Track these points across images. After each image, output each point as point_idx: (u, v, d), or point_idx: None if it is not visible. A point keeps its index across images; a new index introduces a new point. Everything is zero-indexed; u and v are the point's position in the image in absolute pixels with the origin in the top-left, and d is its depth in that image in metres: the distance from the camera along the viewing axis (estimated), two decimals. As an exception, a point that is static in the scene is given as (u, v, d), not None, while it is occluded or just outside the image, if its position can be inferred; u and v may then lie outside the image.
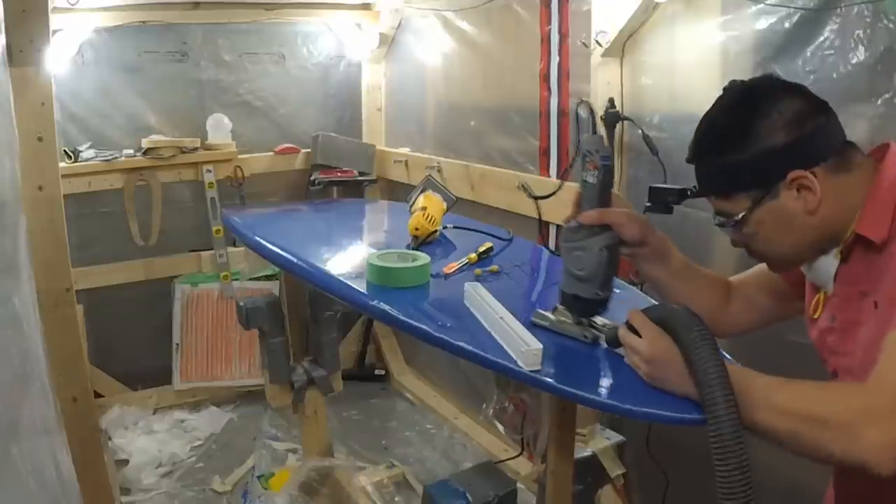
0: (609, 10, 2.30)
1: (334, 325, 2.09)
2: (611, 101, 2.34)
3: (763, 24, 1.92)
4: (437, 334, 1.26)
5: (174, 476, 2.99)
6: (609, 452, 2.28)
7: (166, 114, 3.46)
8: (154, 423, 3.35)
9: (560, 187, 1.33)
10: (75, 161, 3.18)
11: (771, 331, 1.41)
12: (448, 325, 1.30)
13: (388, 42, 3.68)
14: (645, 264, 1.29)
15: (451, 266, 1.62)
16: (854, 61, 1.70)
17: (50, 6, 2.43)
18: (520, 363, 1.15)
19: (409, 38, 3.58)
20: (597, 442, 2.28)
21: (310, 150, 3.69)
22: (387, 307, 1.36)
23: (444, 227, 1.90)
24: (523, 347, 1.15)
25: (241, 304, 1.92)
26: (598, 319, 1.26)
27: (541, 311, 1.30)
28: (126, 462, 3.02)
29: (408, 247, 1.74)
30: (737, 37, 2.00)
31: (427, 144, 3.54)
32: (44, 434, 1.20)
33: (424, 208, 1.84)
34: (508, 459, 2.62)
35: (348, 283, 1.48)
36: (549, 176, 2.70)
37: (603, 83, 2.38)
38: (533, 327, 1.26)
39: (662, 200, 1.27)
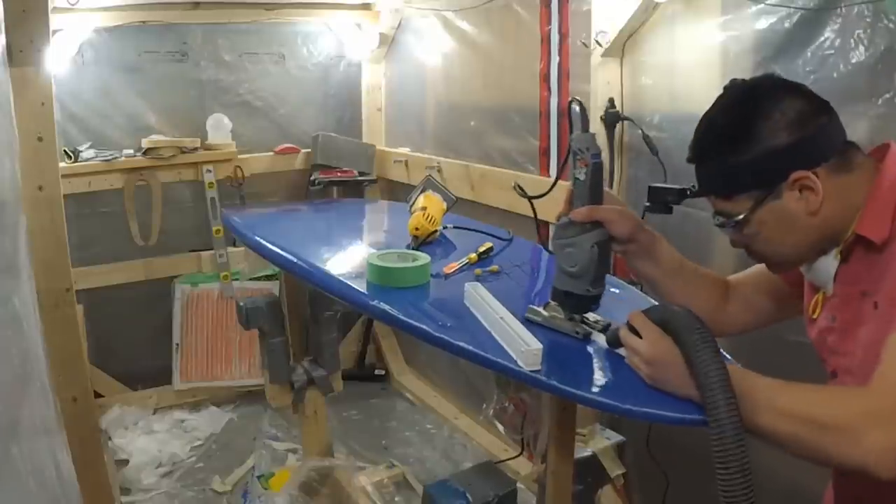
0: (609, 10, 2.30)
1: (334, 325, 2.09)
2: (611, 101, 2.34)
3: (763, 24, 1.92)
4: (437, 334, 1.26)
5: (174, 476, 2.99)
6: (609, 452, 2.28)
7: (166, 114, 3.46)
8: (154, 423, 3.35)
9: (553, 186, 1.32)
10: (75, 161, 3.19)
11: (770, 331, 1.41)
12: (448, 324, 1.30)
13: (388, 42, 3.68)
14: (636, 261, 1.29)
15: (452, 266, 1.62)
16: (854, 61, 1.70)
17: (50, 6, 2.43)
18: (520, 363, 1.15)
19: (409, 38, 3.58)
20: (597, 442, 2.28)
21: (310, 150, 3.68)
22: (387, 307, 1.36)
23: (444, 227, 1.90)
24: (523, 347, 1.15)
25: (241, 304, 1.92)
26: (591, 316, 1.27)
27: (534, 306, 1.31)
28: (126, 462, 3.02)
29: (408, 247, 1.73)
30: (737, 37, 2.00)
31: (427, 144, 3.54)
32: (44, 434, 1.20)
33: (424, 208, 1.84)
34: (508, 459, 2.62)
35: (348, 283, 1.48)
36: (549, 176, 2.71)
37: (603, 83, 2.38)
38: (526, 323, 1.26)
39: (662, 200, 1.27)
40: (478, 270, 1.60)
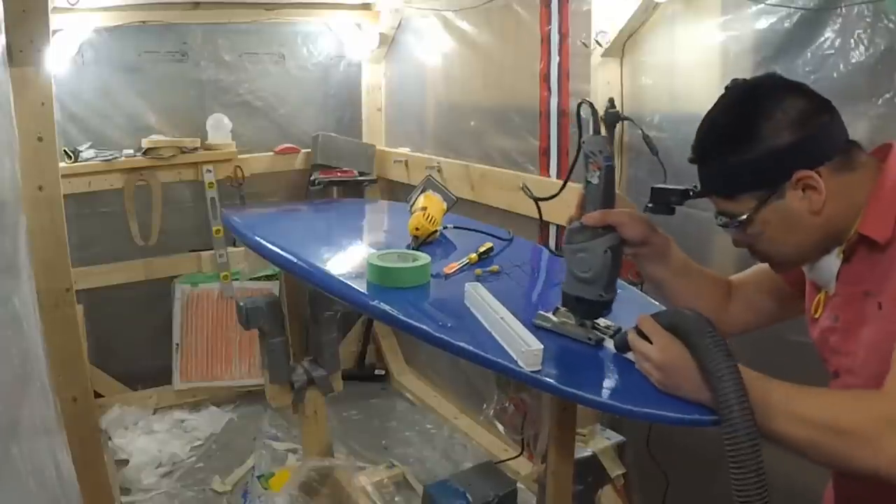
0: (609, 10, 2.30)
1: (334, 325, 2.09)
2: (611, 101, 2.34)
3: (763, 24, 1.91)
4: (437, 334, 1.26)
5: (174, 476, 2.99)
6: (609, 452, 2.28)
7: (166, 114, 3.46)
8: (154, 423, 3.35)
9: (562, 189, 1.32)
10: (75, 161, 3.18)
11: (771, 331, 1.41)
12: (448, 325, 1.29)
13: (388, 42, 3.68)
14: (647, 264, 1.29)
15: (452, 266, 1.62)
16: (854, 61, 1.70)
17: (50, 6, 2.43)
18: (520, 363, 1.15)
19: (409, 38, 3.58)
20: (597, 442, 2.28)
21: (310, 150, 3.68)
22: (387, 307, 1.36)
23: (445, 227, 1.90)
24: (524, 347, 1.15)
25: (241, 304, 1.92)
26: (601, 321, 1.25)
27: (543, 312, 1.29)
28: (126, 462, 3.02)
29: (408, 247, 1.73)
30: (737, 37, 2.00)
31: (427, 144, 3.54)
32: (44, 434, 1.20)
33: (425, 208, 1.84)
34: (508, 459, 2.62)
35: (348, 283, 1.48)
36: (549, 176, 2.71)
37: (603, 83, 2.38)
38: (535, 329, 1.25)
39: (664, 201, 1.26)
40: (478, 270, 1.60)
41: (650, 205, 1.29)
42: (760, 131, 1.04)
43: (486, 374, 1.70)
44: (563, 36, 2.57)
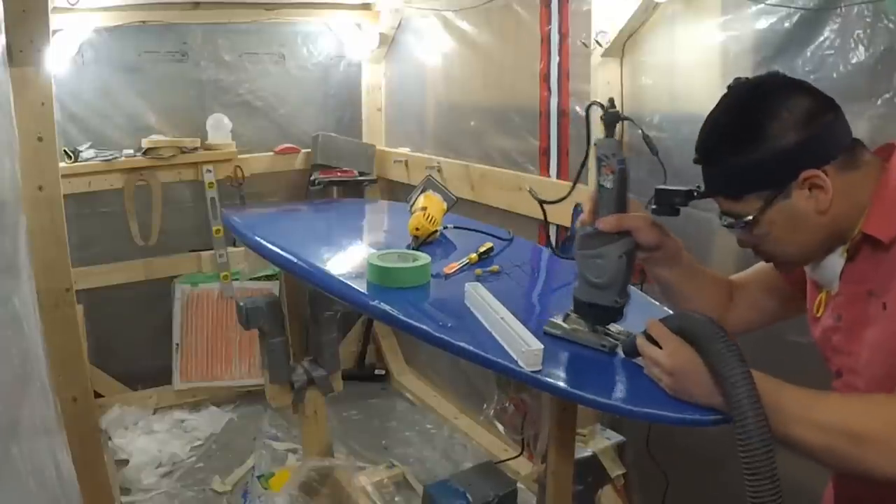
0: (609, 10, 2.30)
1: (334, 325, 2.09)
2: (611, 101, 2.33)
3: (763, 24, 1.91)
4: (437, 334, 1.26)
5: (174, 476, 2.99)
6: (609, 452, 2.28)
7: (166, 114, 3.46)
8: (154, 423, 3.35)
9: (571, 191, 1.31)
10: (75, 161, 3.18)
11: (771, 331, 1.41)
12: (449, 325, 1.29)
13: (388, 42, 3.68)
14: (657, 268, 1.28)
15: (452, 266, 1.62)
16: (854, 61, 1.70)
17: (50, 6, 2.43)
18: (520, 363, 1.15)
19: (409, 38, 3.58)
20: (597, 442, 2.29)
21: (310, 150, 3.69)
22: (387, 307, 1.36)
23: (445, 227, 1.90)
24: (524, 348, 1.15)
25: (241, 304, 1.92)
26: (613, 327, 1.24)
27: (553, 319, 1.28)
28: (126, 462, 3.02)
29: (408, 247, 1.74)
30: (737, 37, 2.00)
31: (427, 144, 3.54)
32: (44, 434, 1.20)
33: (425, 208, 1.84)
34: (508, 459, 2.62)
35: (348, 283, 1.48)
36: (549, 176, 2.71)
37: (603, 83, 2.38)
38: (545, 336, 1.23)
39: (668, 202, 1.25)
40: (478, 270, 1.60)
41: (654, 206, 1.29)
42: (766, 131, 1.03)
43: (487, 374, 1.70)
44: (563, 36, 2.57)
